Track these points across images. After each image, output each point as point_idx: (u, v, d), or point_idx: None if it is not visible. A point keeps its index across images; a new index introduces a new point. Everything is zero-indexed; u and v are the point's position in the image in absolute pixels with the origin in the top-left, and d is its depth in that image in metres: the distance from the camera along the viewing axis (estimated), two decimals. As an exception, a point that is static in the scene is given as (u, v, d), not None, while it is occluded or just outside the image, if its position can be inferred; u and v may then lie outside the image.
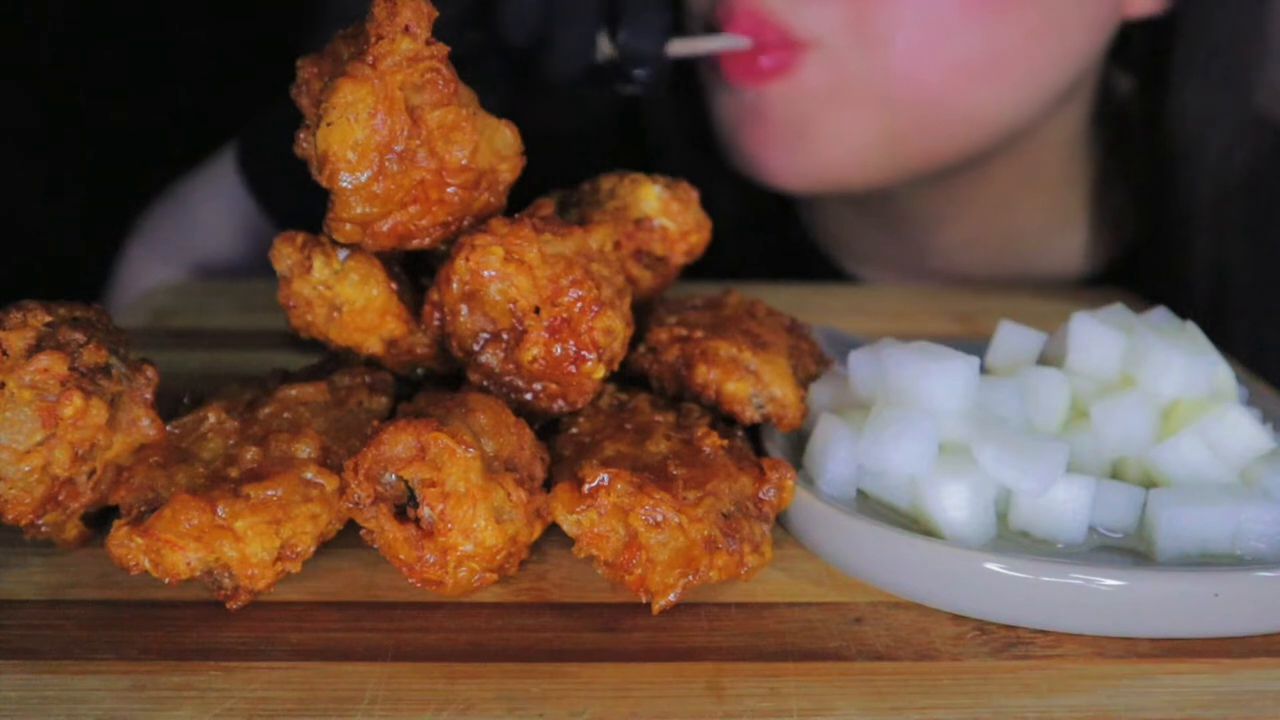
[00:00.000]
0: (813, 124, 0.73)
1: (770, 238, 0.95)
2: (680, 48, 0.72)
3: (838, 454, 0.47)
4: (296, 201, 0.68)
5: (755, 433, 0.52)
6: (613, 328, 0.46)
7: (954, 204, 0.84)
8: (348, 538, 0.45)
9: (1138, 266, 0.85)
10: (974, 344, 0.53)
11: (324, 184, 0.45)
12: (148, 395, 0.45)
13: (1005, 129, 0.76)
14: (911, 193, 0.83)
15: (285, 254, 0.50)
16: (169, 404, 0.47)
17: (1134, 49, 0.81)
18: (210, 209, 0.92)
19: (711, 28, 0.75)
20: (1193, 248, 0.79)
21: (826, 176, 0.76)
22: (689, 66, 0.83)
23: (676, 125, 0.90)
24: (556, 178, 0.57)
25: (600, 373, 0.47)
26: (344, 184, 0.45)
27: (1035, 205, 0.86)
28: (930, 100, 0.72)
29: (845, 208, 0.90)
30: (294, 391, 0.48)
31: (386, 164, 0.45)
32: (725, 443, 0.46)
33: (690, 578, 0.41)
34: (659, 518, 0.41)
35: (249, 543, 0.41)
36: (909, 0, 0.68)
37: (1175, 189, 0.78)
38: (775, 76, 0.72)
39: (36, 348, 0.42)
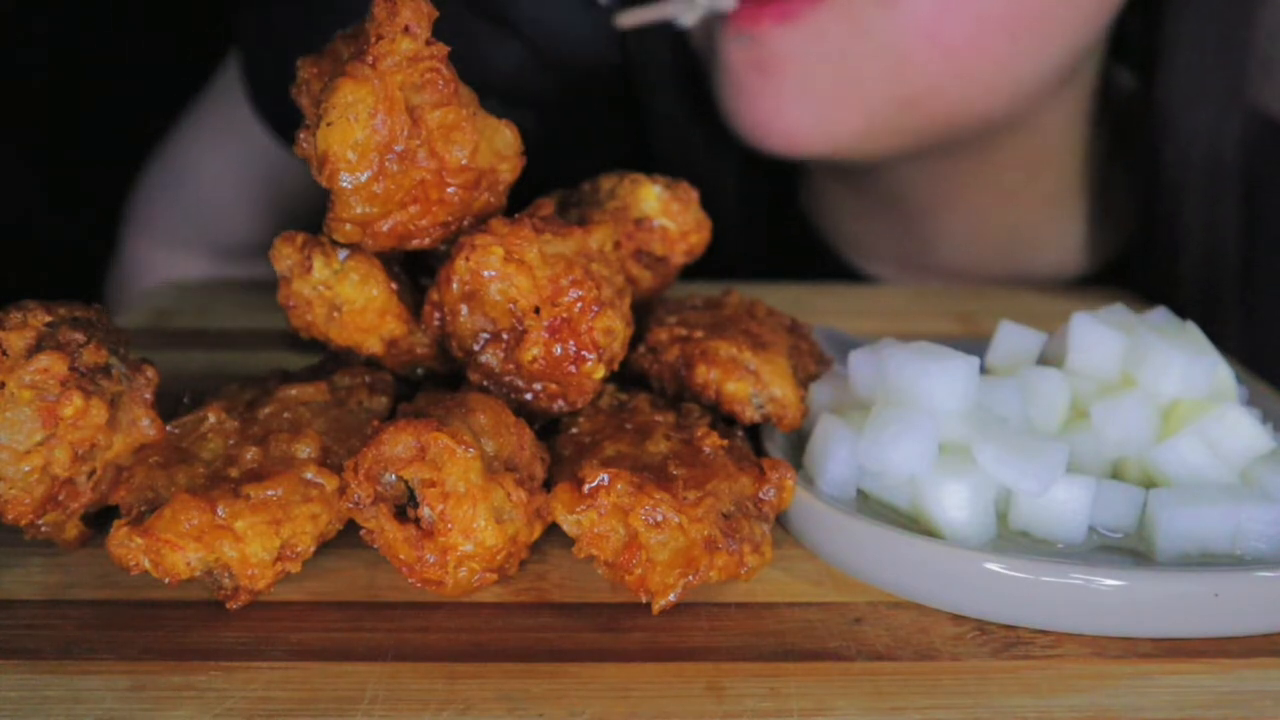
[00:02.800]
0: (825, 78, 0.71)
1: (773, 231, 0.95)
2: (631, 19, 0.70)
3: (838, 454, 0.47)
4: None
5: (755, 433, 0.52)
6: (613, 328, 0.46)
7: (956, 188, 0.84)
8: (348, 538, 0.45)
9: (1133, 262, 0.85)
10: (974, 344, 0.53)
11: (324, 184, 0.45)
12: (148, 395, 0.45)
13: (1019, 95, 0.74)
14: (914, 174, 0.83)
15: (285, 254, 0.50)
16: (169, 404, 0.47)
17: (1133, 42, 0.81)
18: (214, 171, 0.82)
19: None
20: (1185, 239, 0.78)
21: (835, 137, 0.73)
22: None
23: (671, 102, 0.88)
24: (556, 178, 0.57)
25: (600, 373, 0.47)
26: (344, 184, 0.45)
27: (1036, 197, 0.86)
28: (948, 60, 0.70)
29: (848, 195, 0.90)
30: (294, 391, 0.48)
31: (386, 164, 0.45)
32: (725, 443, 0.46)
33: (690, 578, 0.41)
34: (659, 518, 0.41)
35: (249, 543, 0.41)
36: None
37: (1166, 175, 0.78)
38: (782, 20, 0.70)
39: (36, 348, 0.42)
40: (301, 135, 0.48)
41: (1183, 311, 0.55)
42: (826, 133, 0.73)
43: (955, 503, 0.45)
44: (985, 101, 0.73)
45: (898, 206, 0.87)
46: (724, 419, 0.51)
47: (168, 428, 0.46)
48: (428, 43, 0.45)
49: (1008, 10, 0.69)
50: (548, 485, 0.45)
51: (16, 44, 1.13)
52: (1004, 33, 0.70)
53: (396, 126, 0.44)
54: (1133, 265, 0.84)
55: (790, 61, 0.71)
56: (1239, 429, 0.48)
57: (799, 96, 0.72)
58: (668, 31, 0.81)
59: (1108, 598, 0.42)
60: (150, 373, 0.46)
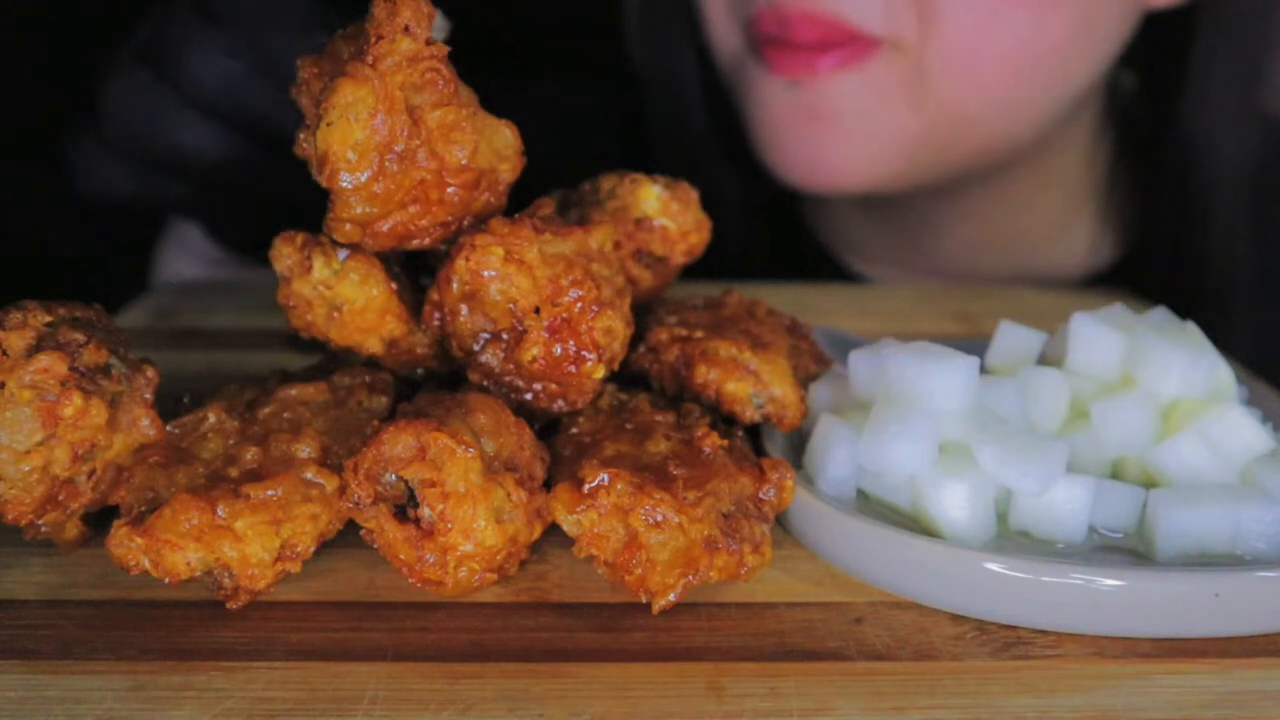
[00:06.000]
0: (875, 121, 0.72)
1: (773, 238, 0.95)
2: None
3: (838, 454, 0.47)
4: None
5: (755, 433, 0.52)
6: (613, 328, 0.46)
7: (968, 206, 0.84)
8: (348, 538, 0.45)
9: (1141, 265, 0.85)
10: (974, 344, 0.53)
11: (324, 184, 0.45)
12: (148, 395, 0.45)
13: (1046, 121, 0.75)
14: (923, 196, 0.83)
15: (285, 254, 0.50)
16: (169, 404, 0.47)
17: (1138, 46, 0.81)
18: None
19: (758, 33, 0.73)
20: (1207, 246, 0.79)
21: (877, 178, 0.75)
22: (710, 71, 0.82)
23: (675, 120, 0.88)
24: (557, 178, 0.57)
25: (600, 373, 0.47)
26: (344, 184, 0.45)
27: (1045, 206, 0.86)
28: (981, 93, 0.71)
29: (850, 210, 0.90)
30: (294, 391, 0.48)
31: (386, 164, 0.45)
32: (725, 443, 0.46)
33: (690, 578, 0.41)
34: (659, 518, 0.41)
35: (249, 543, 0.41)
36: None
37: (1190, 188, 0.78)
38: (843, 67, 0.70)
39: (36, 348, 0.42)
40: (301, 135, 0.48)
41: (1187, 313, 0.55)
42: (870, 174, 0.74)
43: (955, 503, 0.45)
44: (1014, 131, 0.75)
45: (903, 222, 0.87)
46: (724, 419, 0.51)
47: (168, 428, 0.46)
48: (428, 43, 0.45)
49: (1037, 44, 0.70)
50: (548, 485, 0.45)
51: (18, 48, 1.13)
52: (1033, 66, 0.71)
53: (396, 126, 0.44)
54: (1140, 269, 0.84)
55: (844, 107, 0.72)
56: (1239, 429, 0.48)
57: (848, 141, 0.73)
58: (695, 44, 0.81)
59: (1108, 598, 0.42)
60: (150, 373, 0.46)
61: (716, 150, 0.85)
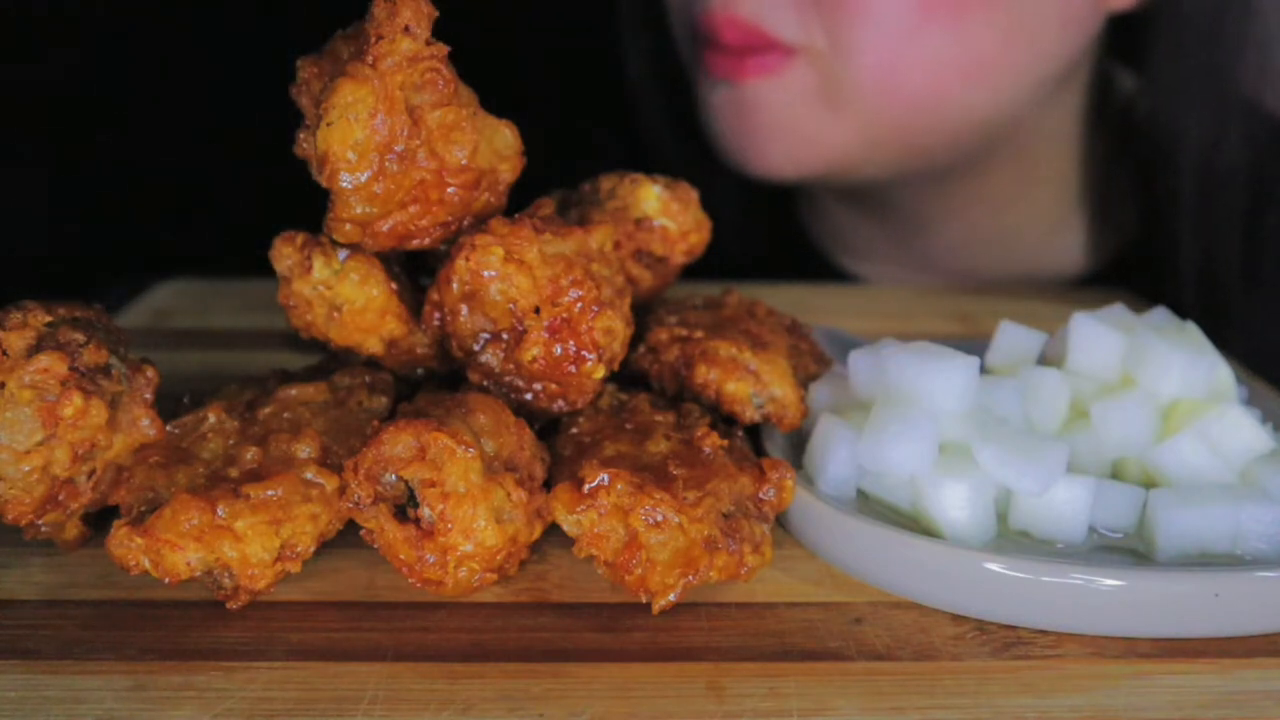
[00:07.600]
0: (796, 122, 0.75)
1: (770, 237, 0.95)
2: None
3: (838, 454, 0.47)
4: None
5: (755, 433, 0.52)
6: (613, 328, 0.46)
7: (952, 203, 0.85)
8: (348, 538, 0.45)
9: (1138, 266, 0.85)
10: (974, 344, 0.53)
11: (324, 184, 0.45)
12: (148, 395, 0.45)
13: (990, 127, 0.77)
14: (910, 193, 0.84)
15: (285, 254, 0.50)
16: (169, 404, 0.47)
17: (1134, 45, 0.81)
18: None
19: (698, 35, 0.77)
20: (1180, 243, 0.79)
21: (808, 168, 0.78)
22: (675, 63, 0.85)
23: (666, 120, 0.91)
24: (556, 178, 0.58)
25: (600, 373, 0.47)
26: (344, 184, 0.45)
27: (1034, 204, 0.86)
28: (909, 103, 0.73)
29: (844, 207, 0.91)
30: (294, 391, 0.48)
31: (386, 164, 0.45)
32: (725, 443, 0.46)
33: (690, 578, 0.41)
34: (659, 518, 0.41)
35: (249, 543, 0.41)
36: (873, 11, 0.70)
37: (1159, 183, 0.79)
38: (763, 74, 0.74)
39: (36, 348, 0.42)
40: (301, 135, 0.48)
41: (1183, 312, 0.55)
42: (798, 166, 0.78)
43: (955, 503, 0.45)
44: (950, 136, 0.77)
45: (894, 219, 0.88)
46: (724, 419, 0.51)
47: (168, 428, 0.46)
48: (428, 43, 0.45)
49: (961, 57, 0.72)
50: (548, 485, 0.45)
51: (20, 48, 1.13)
52: (959, 77, 0.73)
53: (396, 126, 0.44)
54: (1134, 266, 0.84)
55: (767, 106, 0.76)
56: (1239, 429, 0.48)
57: (772, 136, 0.76)
58: (652, 49, 0.85)
59: (1108, 598, 0.42)
60: (150, 373, 0.46)
61: (697, 151, 0.86)
